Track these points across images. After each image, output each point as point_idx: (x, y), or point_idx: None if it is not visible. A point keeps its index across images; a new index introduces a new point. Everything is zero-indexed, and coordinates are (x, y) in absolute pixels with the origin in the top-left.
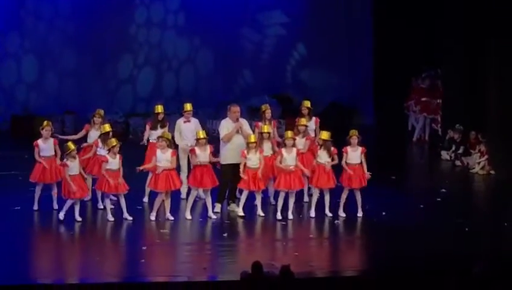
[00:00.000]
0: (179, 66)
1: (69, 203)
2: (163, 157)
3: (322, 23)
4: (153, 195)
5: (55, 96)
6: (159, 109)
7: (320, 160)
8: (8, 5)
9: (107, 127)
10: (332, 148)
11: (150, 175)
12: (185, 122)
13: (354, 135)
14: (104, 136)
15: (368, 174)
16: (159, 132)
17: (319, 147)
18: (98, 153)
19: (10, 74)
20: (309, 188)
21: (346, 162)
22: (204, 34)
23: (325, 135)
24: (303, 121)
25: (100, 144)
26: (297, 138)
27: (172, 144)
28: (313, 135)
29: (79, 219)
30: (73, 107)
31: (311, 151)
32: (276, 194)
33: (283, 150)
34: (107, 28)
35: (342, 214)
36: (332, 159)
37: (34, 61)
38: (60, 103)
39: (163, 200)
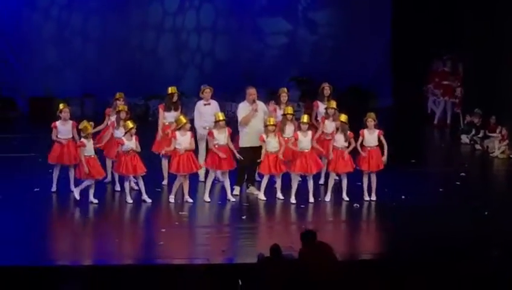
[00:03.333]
0: (199, 51)
1: (85, 183)
2: (183, 140)
3: (341, 5)
4: (171, 178)
5: (74, 79)
6: (172, 90)
7: (337, 144)
8: None
9: (129, 124)
10: (348, 132)
11: (164, 159)
12: (204, 104)
13: (370, 118)
14: (118, 117)
15: (384, 159)
16: (173, 114)
17: (335, 130)
18: (114, 135)
19: (31, 56)
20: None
21: (362, 145)
22: (225, 19)
23: (343, 117)
24: (332, 104)
25: (116, 126)
26: (327, 121)
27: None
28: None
29: (94, 201)
30: (92, 90)
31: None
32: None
33: (299, 133)
34: (128, 10)
35: (366, 197)
36: (349, 144)
37: (54, 44)
38: (79, 85)
39: (181, 183)
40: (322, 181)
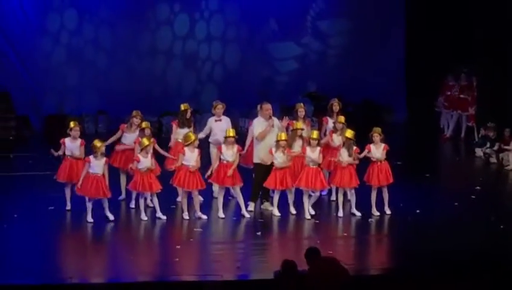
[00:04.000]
0: (212, 65)
1: (89, 204)
2: (191, 157)
3: (355, 20)
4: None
5: (88, 96)
6: (185, 106)
7: (342, 159)
8: (42, 7)
9: (145, 141)
10: (354, 148)
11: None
12: (216, 120)
13: (376, 133)
14: (142, 133)
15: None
16: (187, 130)
17: (341, 145)
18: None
19: (43, 71)
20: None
21: (368, 159)
22: (239, 35)
23: (349, 133)
24: (341, 119)
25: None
26: (334, 135)
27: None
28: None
29: (110, 217)
30: (106, 107)
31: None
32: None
33: (307, 148)
34: (139, 28)
35: (375, 213)
36: (354, 159)
37: (67, 61)
38: (93, 103)
39: (192, 199)
40: (333, 197)
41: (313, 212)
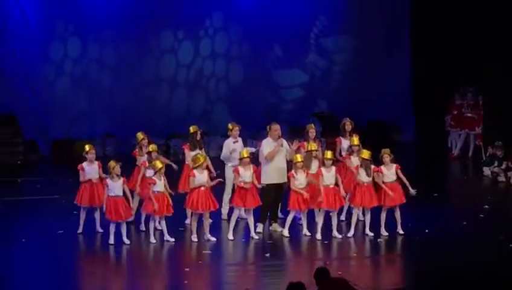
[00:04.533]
0: (216, 85)
1: (112, 226)
2: (201, 178)
3: (360, 39)
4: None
5: (95, 119)
6: (194, 129)
7: (361, 178)
8: (51, 28)
9: (158, 164)
10: (372, 167)
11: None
12: (234, 142)
13: (385, 154)
14: (149, 156)
15: (413, 191)
16: (198, 152)
17: (359, 165)
18: (146, 174)
19: (50, 95)
20: (348, 207)
21: (383, 182)
22: (247, 55)
23: (365, 154)
24: (355, 140)
25: (147, 165)
26: (351, 157)
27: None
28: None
29: (127, 241)
30: (113, 130)
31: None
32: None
33: (322, 169)
34: (145, 50)
35: (384, 233)
36: (373, 179)
37: (73, 85)
38: (100, 126)
39: (202, 221)
40: (343, 217)
41: (339, 236)
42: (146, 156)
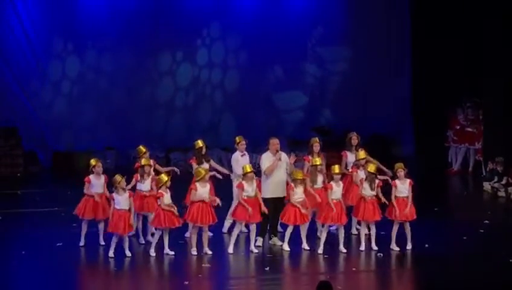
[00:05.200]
0: (217, 97)
1: (114, 239)
2: (203, 192)
3: (361, 54)
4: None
5: (95, 132)
6: (200, 143)
7: (365, 192)
8: (51, 41)
9: (163, 177)
10: (377, 181)
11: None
12: (242, 155)
13: (400, 168)
14: (141, 170)
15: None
16: (206, 166)
17: (364, 179)
18: (137, 188)
19: (50, 107)
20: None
21: (395, 196)
22: (249, 66)
23: (371, 167)
24: (361, 154)
25: (139, 179)
26: (358, 171)
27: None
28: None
29: (128, 254)
30: (114, 143)
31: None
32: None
33: (333, 183)
34: (144, 64)
35: (395, 248)
36: (377, 193)
37: (74, 97)
38: (100, 139)
39: (201, 234)
40: (354, 231)
41: (344, 250)
42: (139, 170)
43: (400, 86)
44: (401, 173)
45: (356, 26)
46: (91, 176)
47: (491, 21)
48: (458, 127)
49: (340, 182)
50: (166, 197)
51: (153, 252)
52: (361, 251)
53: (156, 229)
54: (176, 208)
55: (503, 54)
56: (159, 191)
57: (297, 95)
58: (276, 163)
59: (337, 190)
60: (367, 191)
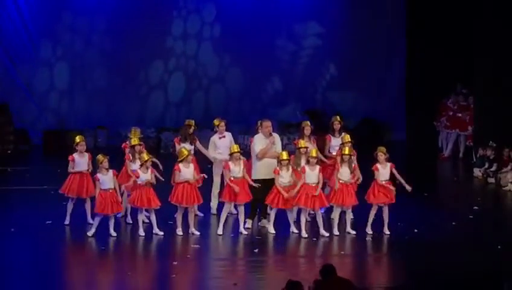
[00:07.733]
0: (209, 81)
1: (97, 219)
2: (187, 172)
3: (356, 39)
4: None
5: (87, 111)
6: (189, 122)
7: (342, 177)
8: (44, 19)
9: (144, 156)
10: (353, 164)
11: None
12: (220, 138)
13: (380, 152)
14: (132, 150)
15: (409, 188)
16: (188, 146)
17: (340, 163)
18: (129, 168)
19: (42, 85)
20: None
21: (375, 179)
22: (236, 46)
23: (346, 150)
24: (346, 138)
25: (131, 159)
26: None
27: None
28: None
29: (114, 233)
30: (105, 122)
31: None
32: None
33: (306, 167)
34: (139, 44)
35: (369, 231)
36: (354, 176)
37: (66, 76)
38: (92, 117)
39: (187, 214)
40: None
41: (326, 234)
42: (129, 149)
43: (394, 71)
44: (381, 157)
45: (352, 16)
46: (75, 154)
47: (483, 10)
48: (450, 113)
49: (317, 166)
50: (144, 176)
51: (142, 232)
52: (336, 235)
53: (140, 210)
54: (151, 185)
55: (495, 38)
56: (137, 170)
57: (289, 77)
58: (270, 146)
59: (311, 174)
60: (344, 175)
